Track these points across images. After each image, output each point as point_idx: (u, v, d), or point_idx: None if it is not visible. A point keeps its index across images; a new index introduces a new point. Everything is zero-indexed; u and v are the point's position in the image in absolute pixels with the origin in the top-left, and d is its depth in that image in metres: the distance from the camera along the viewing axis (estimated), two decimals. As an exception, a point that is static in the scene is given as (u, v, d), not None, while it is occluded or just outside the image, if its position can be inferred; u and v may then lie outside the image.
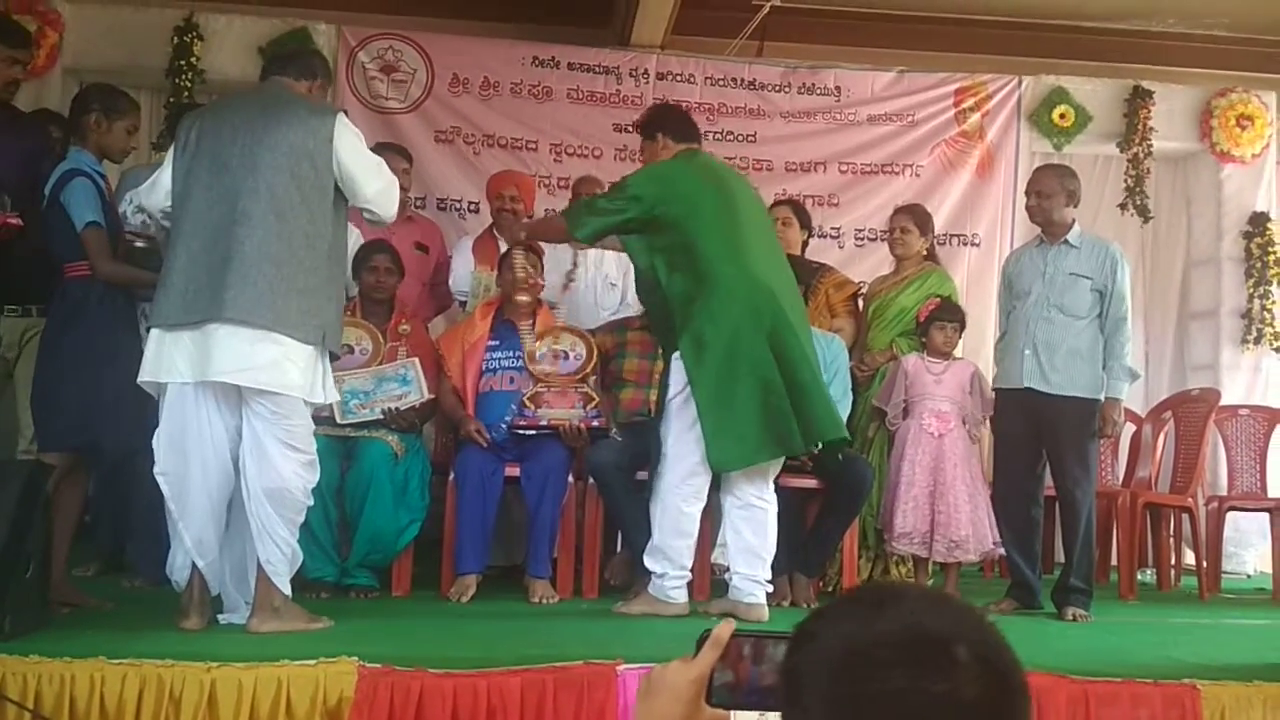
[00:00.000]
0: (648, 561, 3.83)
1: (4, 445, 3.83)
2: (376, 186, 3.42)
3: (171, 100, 5.71)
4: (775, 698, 1.04)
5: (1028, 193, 4.50)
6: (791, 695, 0.97)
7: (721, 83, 6.38)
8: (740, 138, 6.38)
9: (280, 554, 3.27)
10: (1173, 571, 5.57)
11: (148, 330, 3.36)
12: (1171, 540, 5.60)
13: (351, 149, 3.36)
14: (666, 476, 3.80)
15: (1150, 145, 6.49)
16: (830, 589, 4.48)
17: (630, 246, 3.91)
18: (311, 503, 3.40)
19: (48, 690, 2.62)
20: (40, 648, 2.74)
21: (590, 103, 6.26)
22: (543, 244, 4.50)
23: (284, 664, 2.72)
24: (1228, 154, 6.56)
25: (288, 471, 3.26)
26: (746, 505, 3.83)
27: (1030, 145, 6.53)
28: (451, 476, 4.24)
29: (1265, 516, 5.55)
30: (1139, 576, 5.25)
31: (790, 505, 4.18)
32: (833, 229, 6.32)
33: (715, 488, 3.87)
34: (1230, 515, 5.57)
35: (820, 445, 3.91)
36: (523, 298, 4.36)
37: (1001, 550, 4.50)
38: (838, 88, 6.45)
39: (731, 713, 1.20)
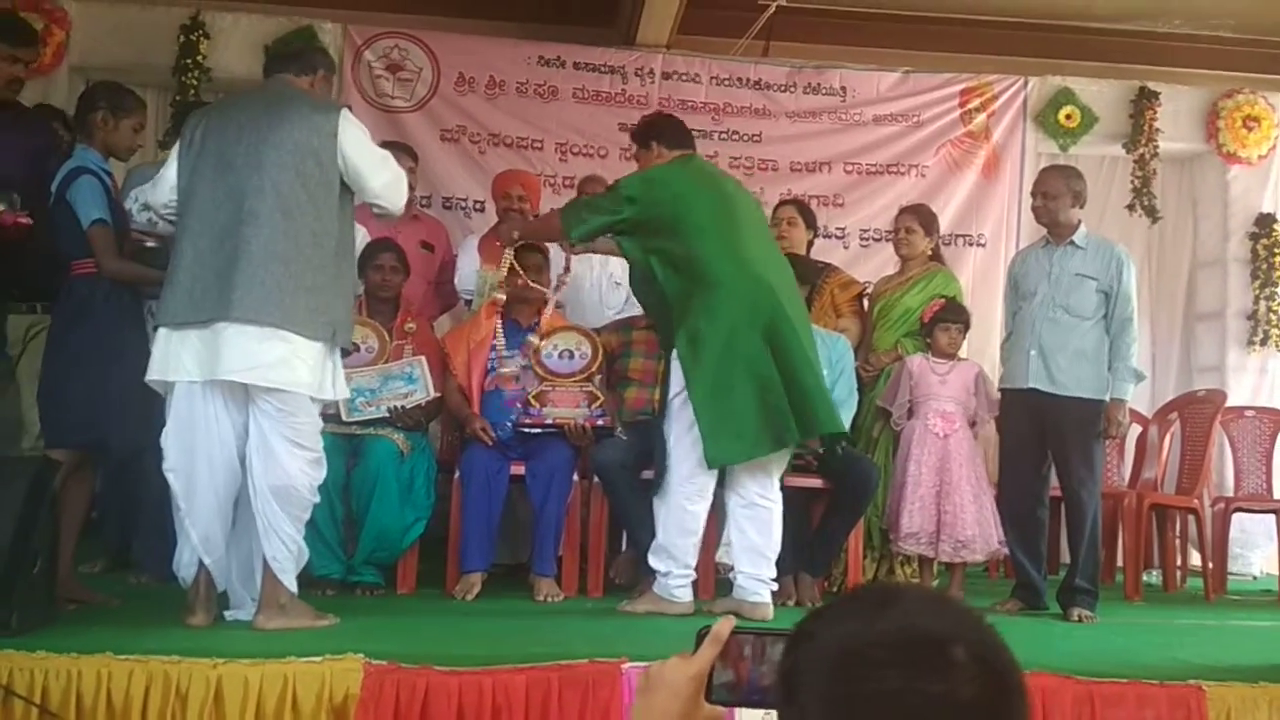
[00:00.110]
0: (652, 560, 3.84)
1: (8, 442, 3.83)
2: (384, 179, 3.42)
3: (178, 98, 5.71)
4: (775, 697, 1.04)
5: (1033, 194, 4.50)
6: (788, 694, 0.97)
7: (727, 82, 6.38)
8: (745, 138, 6.38)
9: (286, 551, 3.27)
10: (1178, 573, 5.56)
11: (155, 329, 3.37)
12: (1177, 541, 5.59)
13: (356, 143, 3.36)
14: (670, 475, 3.80)
15: (1156, 146, 6.48)
16: (835, 589, 4.48)
17: (625, 248, 3.92)
18: (317, 500, 3.41)
19: (54, 686, 2.63)
20: (47, 644, 2.75)
21: (596, 102, 6.27)
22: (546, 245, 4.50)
23: (290, 661, 2.72)
24: (1234, 155, 6.55)
25: (294, 469, 3.27)
26: (751, 504, 3.83)
27: (1036, 146, 6.52)
28: (457, 475, 4.24)
29: (1271, 518, 5.54)
30: (1145, 577, 5.25)
31: (795, 505, 4.19)
32: (838, 229, 6.32)
33: (721, 486, 3.88)
34: (1236, 516, 5.56)
35: (820, 440, 3.91)
36: (501, 296, 4.37)
37: (1006, 550, 4.49)
38: (843, 88, 6.45)
39: (737, 712, 1.20)
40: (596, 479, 4.23)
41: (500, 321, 4.47)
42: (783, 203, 5.13)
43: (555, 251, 4.61)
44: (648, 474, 3.99)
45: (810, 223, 4.94)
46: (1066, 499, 4.37)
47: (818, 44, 6.53)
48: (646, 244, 3.83)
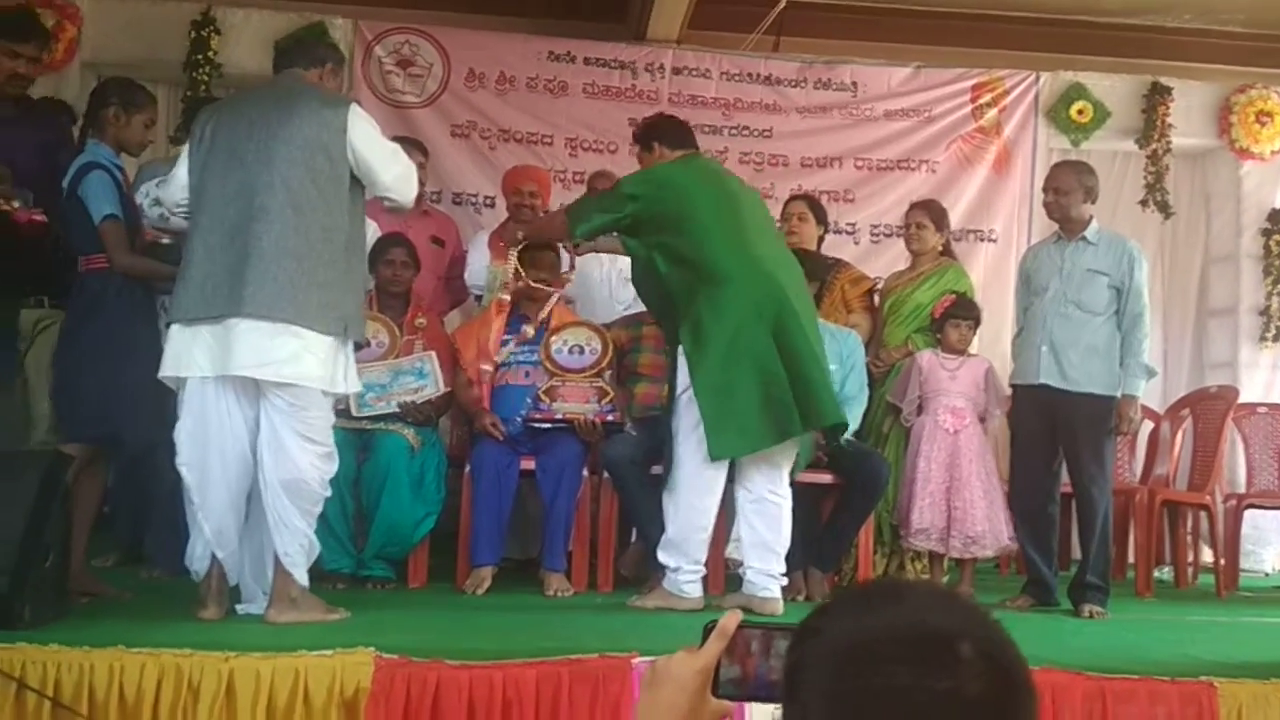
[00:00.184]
0: (661, 556, 3.84)
1: (17, 437, 3.84)
2: (394, 173, 3.43)
3: (189, 94, 5.73)
4: (781, 692, 1.04)
5: (1045, 189, 4.48)
6: (791, 690, 0.96)
7: (737, 78, 6.37)
8: (756, 133, 6.37)
9: (297, 545, 3.28)
10: (1190, 569, 5.54)
11: (167, 326, 3.38)
12: (1189, 538, 5.57)
13: (366, 137, 3.36)
14: (678, 470, 3.80)
15: (1169, 142, 6.46)
16: (845, 584, 4.47)
17: (629, 245, 3.94)
18: (328, 494, 3.42)
19: (67, 679, 2.63)
20: (60, 637, 2.76)
21: (606, 97, 6.26)
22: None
23: (301, 654, 2.73)
24: (1247, 151, 6.52)
25: (304, 463, 3.28)
26: (760, 499, 3.83)
27: (1048, 141, 6.50)
28: (467, 470, 4.25)
29: (1283, 515, 5.52)
30: (1156, 574, 5.23)
31: (806, 500, 4.18)
32: (848, 225, 6.31)
33: (731, 482, 3.88)
34: (1248, 513, 5.54)
35: (823, 433, 3.90)
36: (505, 296, 4.38)
37: (1016, 546, 4.49)
38: (854, 83, 6.43)
39: (747, 707, 1.20)
40: (606, 474, 4.24)
41: (510, 317, 4.47)
42: (793, 198, 5.12)
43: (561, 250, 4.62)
44: (657, 469, 3.99)
45: (821, 218, 4.93)
46: (1078, 495, 4.36)
47: (828, 39, 6.52)
48: (650, 240, 3.84)
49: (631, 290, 4.98)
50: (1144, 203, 6.49)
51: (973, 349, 4.76)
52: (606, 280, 5.08)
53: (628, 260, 4.98)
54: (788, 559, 3.88)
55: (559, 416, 4.23)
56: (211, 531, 3.25)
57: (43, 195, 3.68)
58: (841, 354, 4.46)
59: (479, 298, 5.00)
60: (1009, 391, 4.59)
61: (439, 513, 4.22)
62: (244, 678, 2.67)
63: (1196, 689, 3.00)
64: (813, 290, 4.42)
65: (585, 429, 4.21)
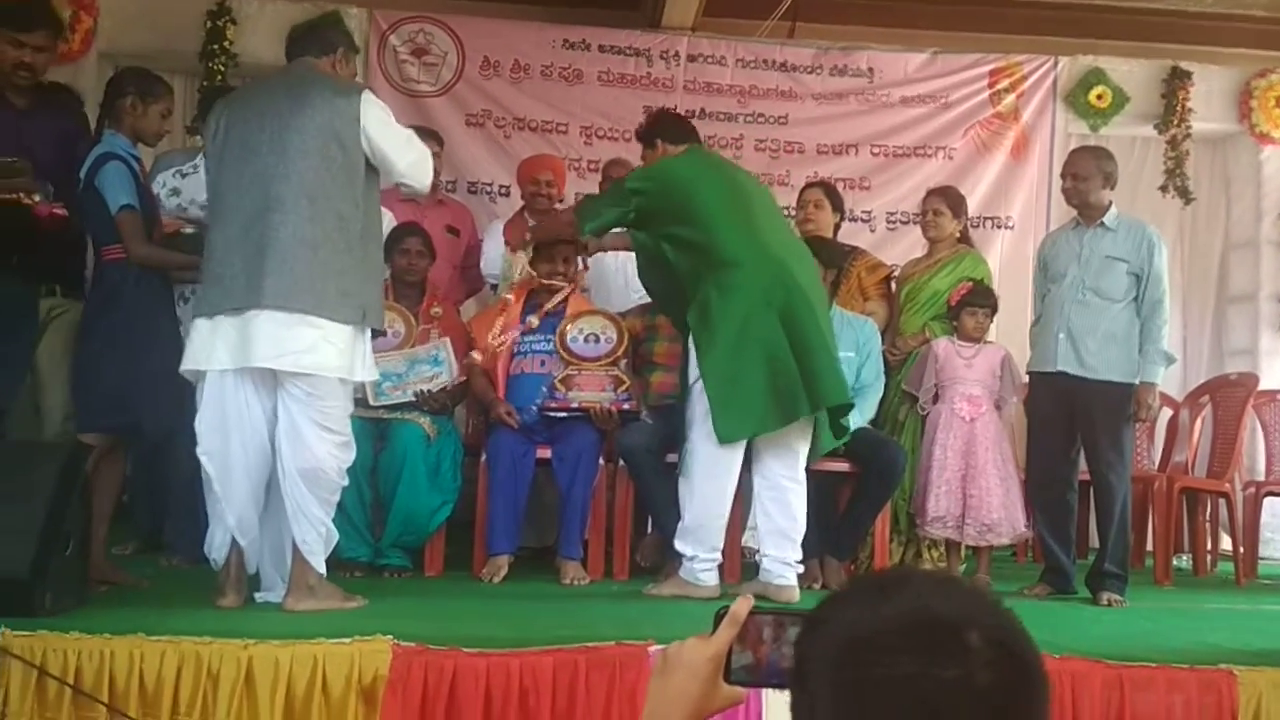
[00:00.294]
0: (678, 544, 3.84)
1: (30, 427, 3.86)
2: (409, 159, 3.43)
3: (205, 84, 5.74)
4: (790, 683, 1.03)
5: (1063, 175, 4.45)
6: (800, 681, 0.95)
7: (753, 64, 6.34)
8: (771, 120, 6.35)
9: (315, 534, 3.30)
10: (1209, 557, 5.51)
11: (194, 319, 3.39)
12: (1208, 525, 5.54)
13: (379, 124, 3.36)
14: (693, 458, 3.81)
15: (1189, 127, 6.41)
16: (862, 573, 4.47)
17: (637, 239, 3.96)
18: (346, 483, 3.43)
19: (88, 666, 2.65)
20: (80, 625, 2.78)
21: (621, 85, 6.25)
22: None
23: (320, 642, 2.74)
24: (1267, 135, 6.47)
25: (322, 452, 3.29)
26: (776, 486, 3.83)
27: (1066, 127, 6.46)
28: (483, 458, 4.26)
29: (1303, 502, 5.49)
30: (1175, 562, 5.21)
31: (822, 488, 4.18)
32: (864, 212, 6.28)
33: (747, 470, 3.88)
34: (1268, 500, 5.51)
35: (830, 413, 3.90)
36: (509, 297, 4.40)
37: (1032, 534, 4.47)
38: (870, 69, 6.40)
39: (763, 694, 1.19)
40: (622, 462, 4.24)
41: (525, 306, 4.48)
42: (809, 185, 5.10)
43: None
44: (673, 457, 3.99)
45: (837, 205, 4.91)
46: (1096, 483, 4.34)
47: (844, 25, 6.48)
48: (658, 232, 3.87)
49: (647, 279, 4.99)
50: (1164, 188, 6.44)
51: (990, 337, 4.73)
52: (621, 269, 5.07)
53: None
54: (804, 547, 3.88)
55: (575, 405, 4.23)
56: (234, 520, 3.27)
57: (61, 186, 3.69)
58: (858, 342, 4.45)
59: (494, 287, 5.01)
60: (1026, 379, 4.57)
61: (455, 501, 4.24)
62: (263, 665, 2.68)
63: (1215, 677, 2.99)
64: (829, 278, 4.42)
65: (601, 417, 4.21)
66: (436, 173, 4.86)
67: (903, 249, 5.85)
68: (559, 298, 4.44)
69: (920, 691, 0.86)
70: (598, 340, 4.38)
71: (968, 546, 4.50)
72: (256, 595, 3.39)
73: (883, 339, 4.64)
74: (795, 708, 0.96)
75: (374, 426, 4.16)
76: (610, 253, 4.97)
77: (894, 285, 4.94)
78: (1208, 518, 5.54)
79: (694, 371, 3.79)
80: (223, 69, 5.79)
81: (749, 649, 1.10)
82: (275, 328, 3.21)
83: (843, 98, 6.39)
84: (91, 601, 3.21)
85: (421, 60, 6.10)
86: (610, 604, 3.74)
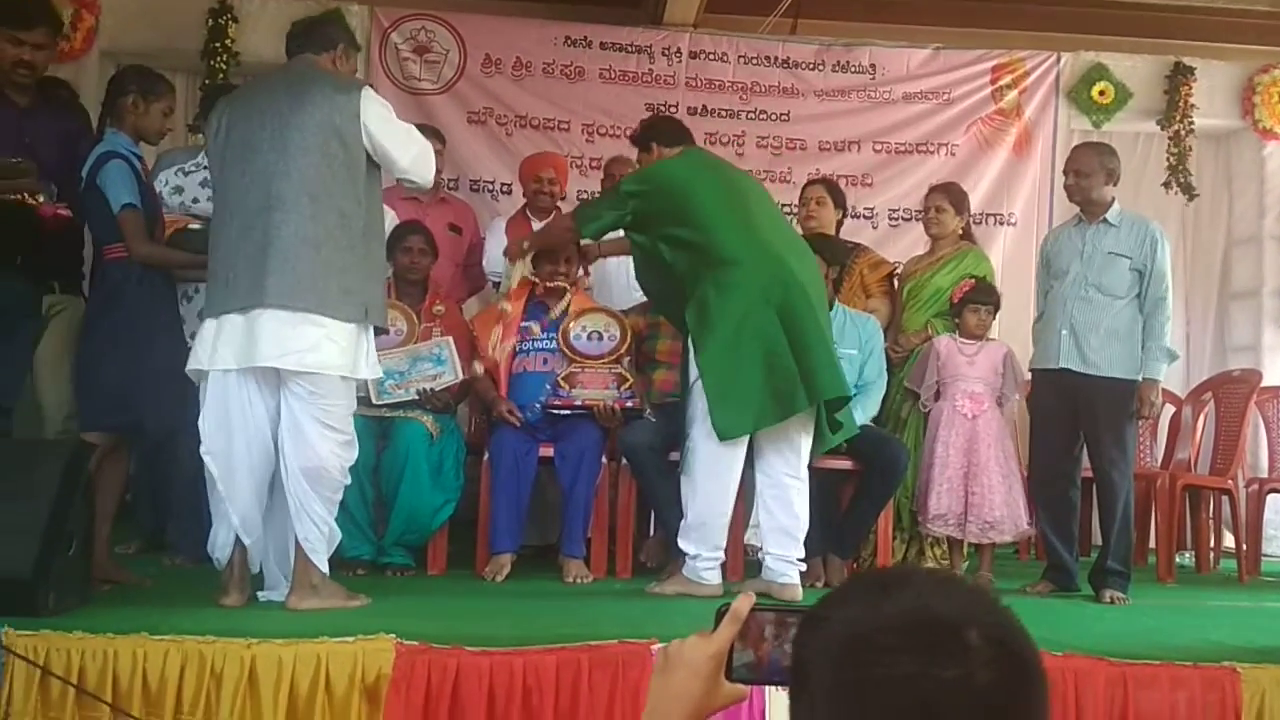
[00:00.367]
0: (681, 543, 3.84)
1: (32, 426, 3.86)
2: (411, 154, 3.42)
3: (207, 82, 5.74)
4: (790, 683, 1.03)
5: (1066, 171, 4.44)
6: (799, 681, 0.95)
7: (755, 61, 6.34)
8: (773, 117, 6.34)
9: (318, 532, 3.30)
10: (1211, 554, 5.50)
11: (200, 319, 3.40)
12: (1211, 522, 5.53)
13: (380, 120, 3.35)
14: (694, 456, 3.81)
15: (1191, 123, 6.39)
16: (861, 571, 4.47)
17: (635, 241, 3.98)
18: (349, 481, 3.43)
19: (91, 666, 2.66)
20: (83, 624, 2.78)
21: (623, 82, 6.25)
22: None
23: (323, 641, 2.75)
24: (1270, 131, 6.46)
25: (324, 451, 3.29)
26: (778, 484, 3.83)
27: (1069, 123, 6.45)
28: (486, 457, 4.26)
29: (1306, 499, 5.48)
30: (1178, 559, 5.20)
31: (825, 486, 4.18)
32: (866, 209, 6.27)
33: (750, 467, 3.87)
34: (1270, 497, 5.50)
35: (826, 405, 3.90)
36: (507, 306, 4.41)
37: (1035, 531, 4.46)
38: (872, 65, 6.39)
39: (767, 692, 1.19)
40: (625, 461, 4.24)
41: (528, 304, 4.47)
42: (811, 182, 5.10)
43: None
44: (676, 456, 3.99)
45: (839, 202, 4.90)
46: (1098, 480, 4.33)
47: (846, 21, 6.48)
48: (656, 233, 3.88)
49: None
50: (1166, 184, 6.43)
51: (993, 333, 4.73)
52: (624, 267, 5.06)
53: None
54: (807, 545, 3.88)
55: (578, 403, 4.23)
56: (238, 519, 3.27)
57: (63, 185, 3.70)
58: (860, 339, 4.45)
59: (496, 284, 5.00)
60: (1028, 376, 4.56)
61: (458, 500, 4.24)
62: (266, 664, 2.68)
63: (1219, 674, 2.98)
64: (832, 275, 4.42)
65: (605, 415, 4.21)
66: (438, 170, 4.87)
67: (905, 246, 5.85)
68: (562, 305, 4.43)
69: (920, 691, 0.86)
70: (601, 338, 4.38)
71: (970, 544, 4.50)
72: (259, 594, 3.39)
73: (885, 336, 4.64)
74: (795, 706, 0.96)
75: (377, 425, 4.16)
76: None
77: (896, 282, 4.94)
78: (1210, 515, 5.53)
79: (694, 370, 3.80)
80: (224, 67, 5.80)
81: (750, 647, 1.10)
82: (278, 326, 3.21)
83: (845, 94, 6.38)
84: (95, 601, 3.21)
85: (423, 58, 6.10)
86: (613, 602, 3.74)
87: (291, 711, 2.67)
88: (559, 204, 5.18)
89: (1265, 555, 5.58)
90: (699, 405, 3.78)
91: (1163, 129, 6.44)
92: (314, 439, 3.27)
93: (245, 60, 5.83)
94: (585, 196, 5.89)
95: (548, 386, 4.30)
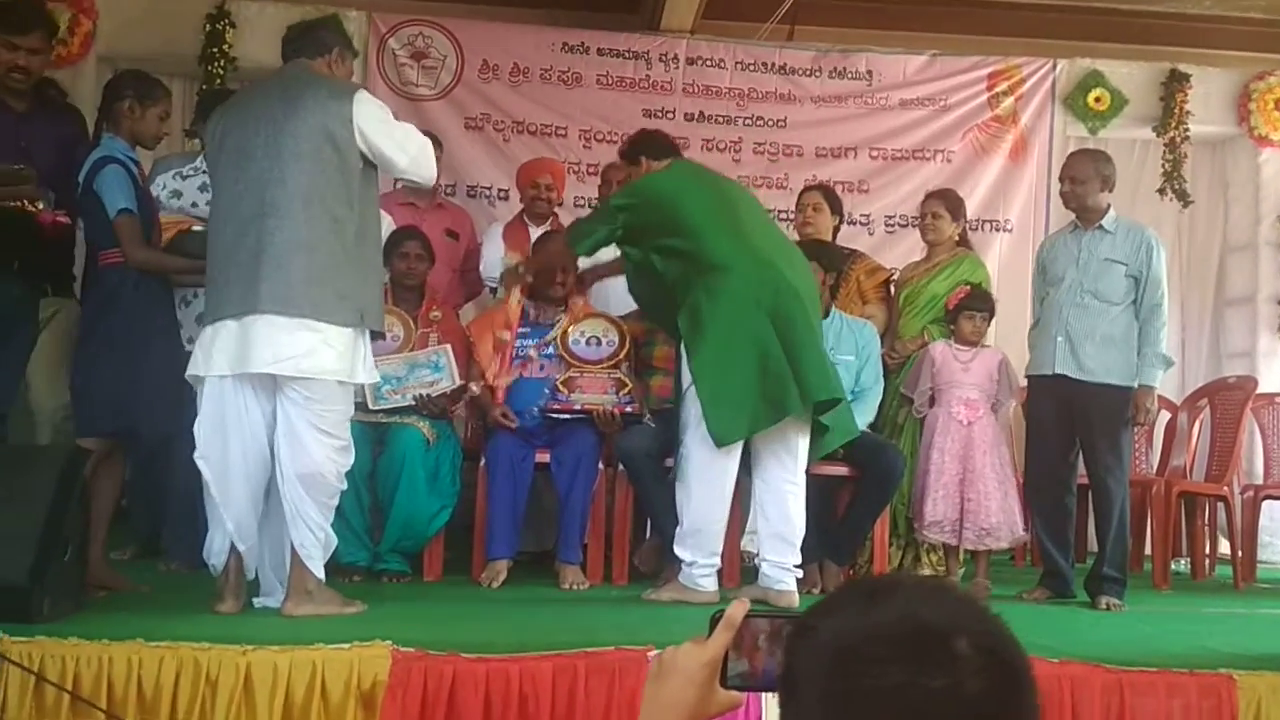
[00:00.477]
0: (677, 549, 3.84)
1: (25, 432, 3.85)
2: (409, 154, 3.42)
3: (204, 87, 5.74)
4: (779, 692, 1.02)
5: (1061, 178, 4.45)
6: (788, 690, 0.95)
7: (752, 67, 6.34)
8: (770, 123, 6.35)
9: (313, 538, 3.29)
10: (1207, 561, 5.51)
11: (197, 321, 3.40)
12: (1206, 529, 5.53)
13: (374, 122, 3.34)
14: (688, 462, 3.81)
15: (1187, 129, 6.41)
16: (850, 580, 4.47)
17: (629, 254, 4.01)
18: (345, 487, 3.43)
19: (86, 672, 2.65)
20: (78, 630, 2.77)
21: (620, 88, 6.25)
22: None
23: (319, 647, 2.74)
24: (1266, 138, 6.47)
25: (320, 456, 3.28)
26: (775, 489, 3.83)
27: (1065, 129, 6.46)
28: (483, 462, 4.26)
29: (1302, 506, 5.48)
30: (1173, 566, 5.20)
31: (821, 493, 4.18)
32: (862, 215, 6.28)
33: (746, 473, 3.88)
34: (1266, 504, 5.51)
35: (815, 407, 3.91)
36: (506, 335, 4.42)
37: (1029, 536, 4.46)
38: (869, 72, 6.40)
39: (764, 698, 1.18)
40: (621, 467, 4.24)
41: (525, 310, 4.48)
42: (808, 188, 5.10)
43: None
44: (672, 462, 3.99)
45: (836, 208, 4.91)
46: (1094, 486, 4.34)
47: (843, 27, 6.49)
48: (648, 245, 3.90)
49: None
50: (1162, 191, 6.44)
51: (989, 340, 4.73)
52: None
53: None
54: (803, 552, 3.88)
55: (577, 407, 4.23)
56: (233, 524, 3.27)
57: (60, 190, 3.69)
58: (857, 345, 4.46)
59: (493, 290, 5.01)
60: (1023, 382, 4.57)
61: (454, 506, 4.23)
62: (261, 671, 2.67)
63: (1215, 681, 2.98)
64: (828, 281, 4.43)
65: (604, 420, 4.21)
66: (425, 190, 4.88)
67: (901, 252, 5.86)
68: (558, 330, 4.41)
69: (909, 701, 0.86)
70: (599, 343, 4.39)
71: (966, 550, 4.50)
72: (255, 600, 3.38)
73: (882, 342, 4.64)
74: (785, 715, 0.95)
75: (373, 430, 4.16)
76: (610, 255, 4.99)
77: (893, 289, 4.94)
78: (1206, 521, 5.53)
79: (687, 377, 3.80)
80: (222, 72, 5.79)
81: (745, 656, 1.09)
82: (274, 332, 3.21)
83: (841, 100, 6.39)
84: (90, 607, 3.21)
85: (420, 64, 6.10)
86: (609, 609, 3.74)
87: (287, 718, 2.66)
88: (556, 210, 5.19)
89: (1261, 562, 5.58)
90: (692, 411, 3.78)
91: (1158, 136, 6.45)
92: (310, 444, 3.27)
93: (243, 65, 5.82)
94: (583, 202, 5.91)
95: (546, 391, 4.30)
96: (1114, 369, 4.24)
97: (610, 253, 4.25)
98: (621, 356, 4.36)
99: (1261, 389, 5.61)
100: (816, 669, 0.91)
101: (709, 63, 6.32)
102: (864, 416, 4.37)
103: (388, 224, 4.20)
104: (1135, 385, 4.23)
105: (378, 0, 6.17)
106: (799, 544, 3.85)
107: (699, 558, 3.80)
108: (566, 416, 4.24)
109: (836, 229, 4.92)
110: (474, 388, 4.34)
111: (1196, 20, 6.50)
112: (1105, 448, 4.24)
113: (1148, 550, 5.28)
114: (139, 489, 4.35)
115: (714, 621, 1.11)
